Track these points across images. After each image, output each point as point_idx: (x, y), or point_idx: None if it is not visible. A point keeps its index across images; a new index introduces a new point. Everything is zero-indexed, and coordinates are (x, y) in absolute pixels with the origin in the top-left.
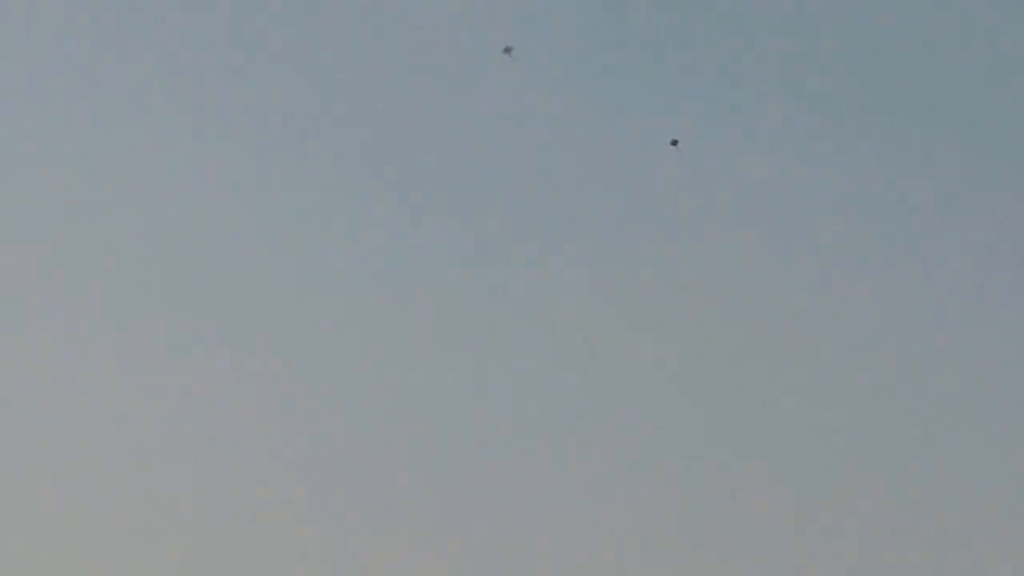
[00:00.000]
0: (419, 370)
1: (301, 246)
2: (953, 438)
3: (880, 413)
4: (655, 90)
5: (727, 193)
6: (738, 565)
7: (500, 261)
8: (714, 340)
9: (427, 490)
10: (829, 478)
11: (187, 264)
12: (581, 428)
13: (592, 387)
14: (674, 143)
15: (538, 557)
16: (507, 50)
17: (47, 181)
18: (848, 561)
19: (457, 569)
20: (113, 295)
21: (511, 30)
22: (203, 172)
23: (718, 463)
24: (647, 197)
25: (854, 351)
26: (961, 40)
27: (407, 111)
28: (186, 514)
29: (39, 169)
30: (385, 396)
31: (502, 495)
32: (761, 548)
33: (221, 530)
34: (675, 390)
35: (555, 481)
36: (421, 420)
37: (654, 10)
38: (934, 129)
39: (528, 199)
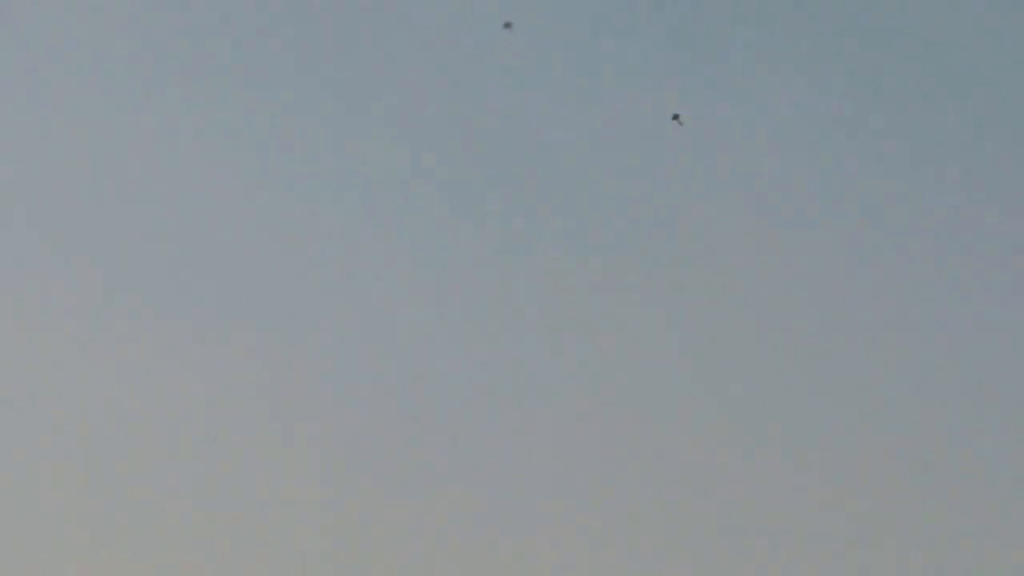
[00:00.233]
0: (424, 367)
1: (302, 243)
2: (977, 436)
3: (895, 409)
4: (660, 66)
5: (735, 178)
6: (738, 565)
7: (503, 251)
8: (731, 333)
9: (427, 490)
10: (836, 476)
11: (189, 261)
12: (591, 425)
13: (602, 382)
14: (675, 118)
15: (541, 557)
16: (507, 25)
17: (47, 181)
18: (849, 561)
19: (459, 568)
20: (113, 295)
21: (511, 4)
22: (207, 162)
23: (730, 457)
24: (651, 176)
25: (867, 345)
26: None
27: (403, 91)
28: (186, 514)
29: (39, 169)
30: (386, 396)
31: (503, 495)
32: (761, 549)
33: (221, 530)
34: (690, 385)
35: (559, 481)
36: (422, 420)
37: None
38: (953, 116)
39: (528, 179)
